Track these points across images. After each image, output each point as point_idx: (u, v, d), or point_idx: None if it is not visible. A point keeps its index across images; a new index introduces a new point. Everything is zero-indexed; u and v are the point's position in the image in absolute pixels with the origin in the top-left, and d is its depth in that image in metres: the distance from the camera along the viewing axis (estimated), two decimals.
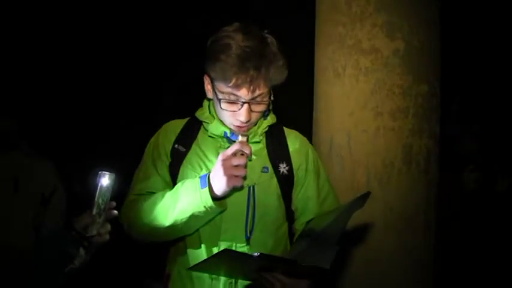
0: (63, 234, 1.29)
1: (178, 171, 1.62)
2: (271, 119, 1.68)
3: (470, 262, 3.01)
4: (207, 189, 1.48)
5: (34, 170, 2.47)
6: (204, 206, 1.48)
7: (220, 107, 1.54)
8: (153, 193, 1.61)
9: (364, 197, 1.55)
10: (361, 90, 2.13)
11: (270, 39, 1.56)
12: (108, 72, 4.82)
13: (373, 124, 2.12)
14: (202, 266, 1.48)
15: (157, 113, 4.66)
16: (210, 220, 1.57)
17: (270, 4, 4.41)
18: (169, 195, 1.56)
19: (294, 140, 1.72)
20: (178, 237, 1.62)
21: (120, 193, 1.43)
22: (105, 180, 1.32)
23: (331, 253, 1.37)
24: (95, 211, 1.30)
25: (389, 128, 2.12)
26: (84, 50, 4.76)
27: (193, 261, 1.58)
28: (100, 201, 1.32)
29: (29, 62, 4.27)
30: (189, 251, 1.62)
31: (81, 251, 1.29)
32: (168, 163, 1.65)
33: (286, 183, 1.65)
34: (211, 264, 1.48)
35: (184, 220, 1.52)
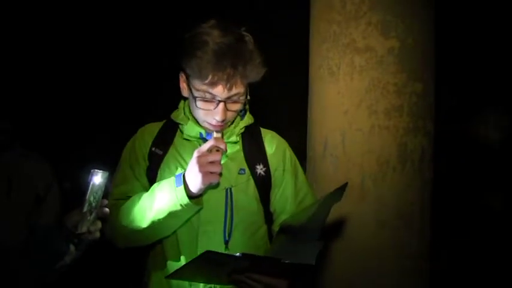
0: (53, 231, 1.28)
1: (156, 174, 1.60)
2: (248, 119, 1.66)
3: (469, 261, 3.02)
4: (182, 187, 1.46)
5: (28, 170, 2.46)
6: (181, 205, 1.46)
7: (196, 105, 1.52)
8: None
9: (341, 189, 1.51)
10: (355, 88, 2.13)
11: (247, 37, 1.54)
12: (99, 71, 4.81)
13: (367, 123, 2.12)
14: (181, 273, 1.45)
15: (150, 111, 4.67)
16: (188, 223, 1.55)
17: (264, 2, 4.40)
18: (145, 196, 1.54)
19: (270, 141, 1.69)
20: (156, 242, 1.61)
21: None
22: (98, 178, 1.32)
23: (314, 249, 1.34)
24: (85, 208, 1.29)
25: (383, 127, 2.12)
26: (74, 49, 4.75)
27: (171, 266, 1.57)
28: (91, 198, 1.31)
29: (20, 62, 4.26)
30: (167, 255, 1.60)
31: (71, 248, 1.28)
32: (145, 167, 1.63)
33: (264, 184, 1.63)
34: (191, 270, 1.45)
35: (161, 220, 1.49)
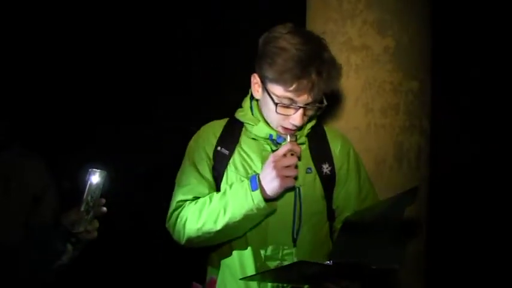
0: (51, 230, 1.29)
1: (222, 174, 1.62)
2: (313, 119, 1.67)
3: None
4: (258, 191, 1.48)
5: (26, 170, 2.46)
6: (257, 208, 1.48)
7: (276, 111, 1.52)
8: (198, 198, 1.60)
9: (413, 191, 1.52)
10: (351, 87, 2.13)
11: (325, 41, 1.56)
12: (98, 70, 4.81)
13: (364, 121, 2.12)
14: (259, 276, 1.47)
15: (150, 111, 4.67)
16: (257, 223, 1.56)
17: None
18: (217, 199, 1.55)
19: (335, 140, 1.71)
20: (223, 242, 1.62)
21: (109, 191, 1.43)
22: (95, 177, 1.33)
23: (397, 253, 1.33)
24: (83, 208, 1.30)
25: (380, 125, 2.12)
26: (73, 47, 4.75)
27: (240, 265, 1.58)
28: (89, 198, 1.31)
29: (19, 61, 4.26)
30: (235, 254, 1.60)
31: (69, 247, 1.29)
32: (211, 166, 1.63)
33: (329, 183, 1.65)
34: (274, 273, 1.47)
35: (235, 223, 1.51)
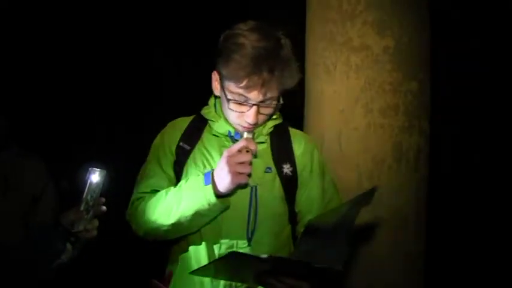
0: (50, 230, 1.29)
1: (183, 169, 1.62)
2: (277, 118, 1.66)
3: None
4: (210, 186, 1.47)
5: (24, 170, 2.46)
6: (208, 203, 1.48)
7: (228, 107, 1.53)
8: (158, 191, 1.61)
9: (370, 193, 1.52)
10: (351, 87, 2.13)
11: (285, 41, 1.55)
12: (98, 70, 4.81)
13: (363, 121, 2.13)
14: (205, 270, 1.46)
15: (149, 110, 4.68)
16: (212, 219, 1.56)
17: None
18: (172, 192, 1.55)
19: (299, 141, 1.70)
20: (181, 236, 1.62)
21: (110, 190, 1.43)
22: (95, 177, 1.33)
23: (342, 253, 1.33)
24: (82, 207, 1.30)
25: (379, 125, 2.12)
26: (73, 47, 4.75)
27: (195, 261, 1.58)
28: (89, 197, 1.32)
29: (16, 60, 4.26)
30: (191, 250, 1.61)
31: (68, 246, 1.29)
32: (172, 161, 1.64)
33: (290, 184, 1.63)
34: (215, 268, 1.46)
35: (188, 218, 1.51)
